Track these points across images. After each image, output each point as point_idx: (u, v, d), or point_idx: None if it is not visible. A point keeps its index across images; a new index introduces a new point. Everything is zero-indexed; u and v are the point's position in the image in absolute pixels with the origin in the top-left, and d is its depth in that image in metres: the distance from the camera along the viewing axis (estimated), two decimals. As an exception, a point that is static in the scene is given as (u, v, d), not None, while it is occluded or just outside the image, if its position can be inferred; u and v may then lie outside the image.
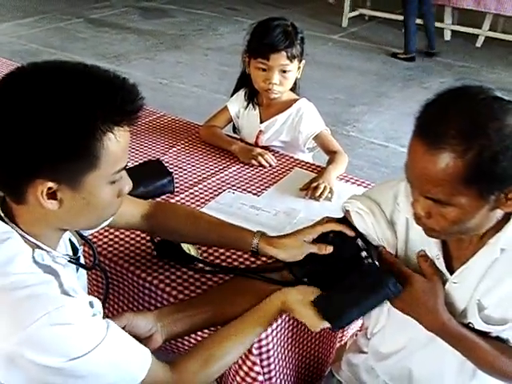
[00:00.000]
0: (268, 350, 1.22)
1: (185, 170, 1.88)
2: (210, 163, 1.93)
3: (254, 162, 1.90)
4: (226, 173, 1.87)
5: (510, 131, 0.89)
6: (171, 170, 1.77)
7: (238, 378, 1.23)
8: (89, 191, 0.88)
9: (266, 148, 2.00)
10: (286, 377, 1.33)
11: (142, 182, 1.59)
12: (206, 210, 1.58)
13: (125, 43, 5.95)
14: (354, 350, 1.38)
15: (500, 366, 1.07)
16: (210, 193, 1.75)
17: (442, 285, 1.08)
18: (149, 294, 1.36)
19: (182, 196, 1.73)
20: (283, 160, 1.96)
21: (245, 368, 1.21)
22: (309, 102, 2.01)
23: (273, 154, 1.95)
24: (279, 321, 1.23)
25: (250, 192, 1.77)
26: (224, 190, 1.77)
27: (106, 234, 1.51)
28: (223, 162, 1.94)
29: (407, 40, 5.51)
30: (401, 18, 5.68)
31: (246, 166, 1.91)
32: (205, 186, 1.79)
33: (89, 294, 0.96)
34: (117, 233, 1.52)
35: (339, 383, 1.37)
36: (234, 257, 1.44)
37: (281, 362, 1.29)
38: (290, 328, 1.30)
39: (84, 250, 1.19)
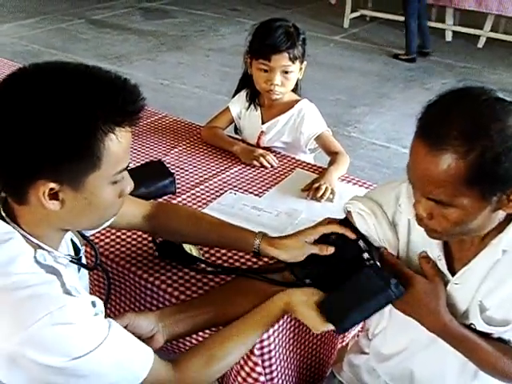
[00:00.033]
0: (270, 351, 1.21)
1: (186, 170, 1.88)
2: (212, 164, 1.93)
3: (255, 162, 1.90)
4: (227, 174, 1.87)
5: (512, 132, 0.89)
6: (173, 171, 1.78)
7: (239, 379, 1.23)
8: (90, 191, 0.88)
9: (267, 149, 2.00)
10: (287, 377, 1.33)
11: (143, 182, 1.60)
12: (207, 211, 1.58)
13: (126, 44, 5.95)
14: (355, 350, 1.38)
15: (502, 367, 1.07)
16: (212, 194, 1.75)
17: (443, 286, 1.08)
18: (150, 294, 1.37)
19: (184, 197, 1.73)
20: (285, 161, 1.96)
21: (246, 368, 1.21)
22: (310, 103, 2.01)
23: (274, 155, 1.95)
24: (281, 322, 1.23)
25: (251, 193, 1.77)
26: (226, 191, 1.77)
27: (108, 234, 1.51)
28: (225, 162, 1.94)
29: (408, 41, 5.51)
30: (402, 18, 5.68)
31: (248, 167, 1.91)
32: (206, 186, 1.79)
33: (90, 294, 0.96)
34: (118, 233, 1.52)
35: (340, 384, 1.37)
36: (236, 257, 1.44)
37: (282, 363, 1.29)
38: (292, 329, 1.30)
39: (86, 251, 1.19)
